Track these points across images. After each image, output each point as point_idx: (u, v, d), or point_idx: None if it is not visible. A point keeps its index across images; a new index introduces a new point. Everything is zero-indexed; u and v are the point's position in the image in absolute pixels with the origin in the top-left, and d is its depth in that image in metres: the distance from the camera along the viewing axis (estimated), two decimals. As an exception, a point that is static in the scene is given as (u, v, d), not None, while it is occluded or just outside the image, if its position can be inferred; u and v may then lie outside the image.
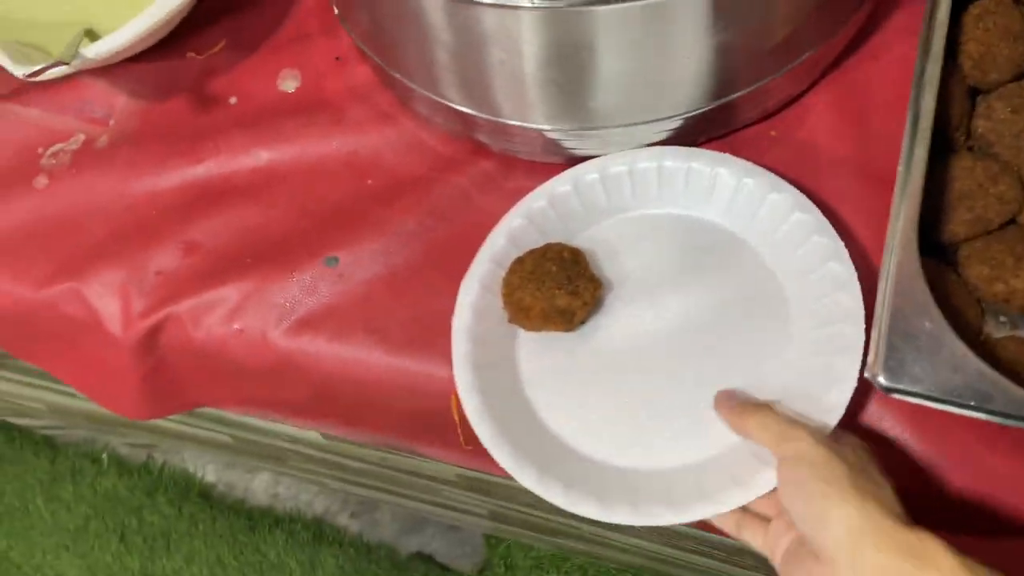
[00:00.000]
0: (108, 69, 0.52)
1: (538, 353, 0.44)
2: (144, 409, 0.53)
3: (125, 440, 1.16)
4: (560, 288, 0.43)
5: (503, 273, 0.44)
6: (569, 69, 0.41)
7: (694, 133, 0.46)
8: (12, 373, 0.80)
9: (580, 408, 0.43)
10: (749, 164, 0.44)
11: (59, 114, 0.54)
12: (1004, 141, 0.42)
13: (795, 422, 0.37)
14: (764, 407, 0.38)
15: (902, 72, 0.46)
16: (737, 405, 0.40)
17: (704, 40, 0.40)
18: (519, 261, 0.44)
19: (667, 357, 0.43)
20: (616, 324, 0.44)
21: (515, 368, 0.44)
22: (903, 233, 0.36)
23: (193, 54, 0.54)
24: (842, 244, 0.41)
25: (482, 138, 0.48)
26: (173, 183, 0.51)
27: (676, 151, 0.45)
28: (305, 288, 0.47)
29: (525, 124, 0.45)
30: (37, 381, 0.81)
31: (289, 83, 0.53)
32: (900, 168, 0.37)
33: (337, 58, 0.53)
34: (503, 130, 0.46)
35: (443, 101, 0.46)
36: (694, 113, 0.44)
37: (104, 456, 1.18)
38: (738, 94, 0.44)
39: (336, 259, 0.47)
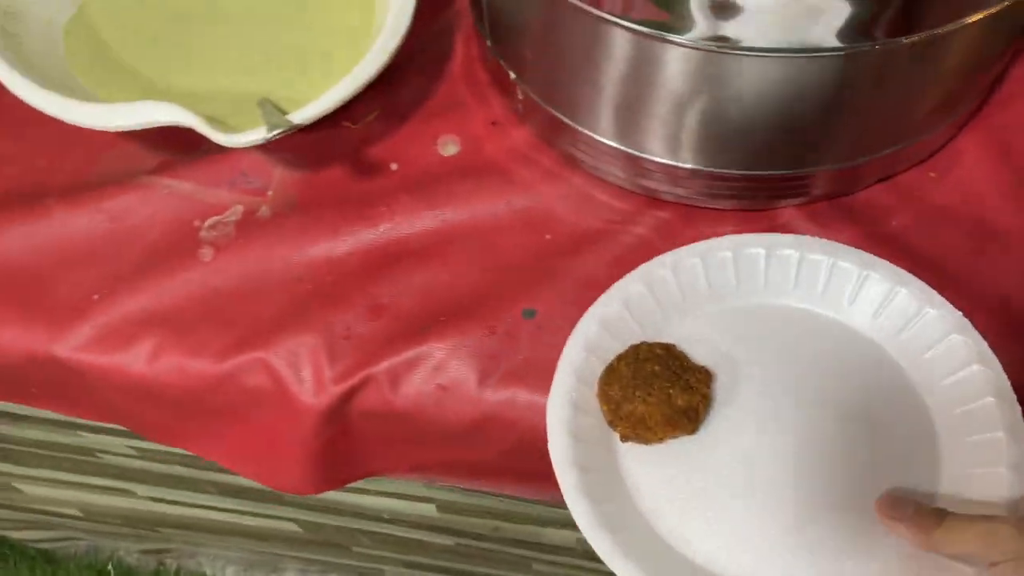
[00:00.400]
0: (263, 141, 0.53)
1: (644, 463, 0.40)
2: (312, 482, 0.51)
3: (135, 546, 1.09)
4: (673, 386, 0.39)
5: (599, 364, 0.41)
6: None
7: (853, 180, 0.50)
8: (50, 471, 0.76)
9: (689, 502, 0.39)
10: (901, 271, 0.42)
11: (213, 187, 0.53)
12: None
13: (992, 518, 0.33)
14: (945, 512, 0.34)
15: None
16: (914, 514, 0.35)
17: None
18: (611, 370, 0.41)
19: (789, 469, 0.39)
20: (729, 424, 0.40)
21: (622, 481, 0.40)
22: None
23: (348, 123, 0.55)
24: (1004, 377, 0.38)
25: (654, 186, 0.50)
26: (348, 247, 0.51)
27: (822, 243, 0.43)
28: (506, 341, 0.47)
29: (699, 167, 0.47)
30: (74, 478, 0.77)
31: (450, 147, 0.54)
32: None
33: (493, 123, 0.55)
34: (674, 174, 0.48)
35: (618, 146, 0.48)
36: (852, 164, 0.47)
37: (110, 567, 1.11)
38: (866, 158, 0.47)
39: (534, 311, 0.48)
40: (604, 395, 0.40)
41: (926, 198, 0.50)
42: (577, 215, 0.51)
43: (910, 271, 0.46)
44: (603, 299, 0.44)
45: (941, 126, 0.48)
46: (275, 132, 0.43)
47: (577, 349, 0.42)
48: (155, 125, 0.46)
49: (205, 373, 0.48)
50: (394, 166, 0.54)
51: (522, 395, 0.46)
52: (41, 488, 0.82)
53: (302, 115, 0.46)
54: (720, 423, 0.41)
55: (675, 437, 0.40)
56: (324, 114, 0.46)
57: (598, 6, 0.40)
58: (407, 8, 0.50)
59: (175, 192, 0.53)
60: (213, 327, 0.48)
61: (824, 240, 0.44)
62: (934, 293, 0.42)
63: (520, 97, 0.52)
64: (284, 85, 0.51)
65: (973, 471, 0.38)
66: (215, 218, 0.52)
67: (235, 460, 0.53)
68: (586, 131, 0.49)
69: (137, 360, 0.48)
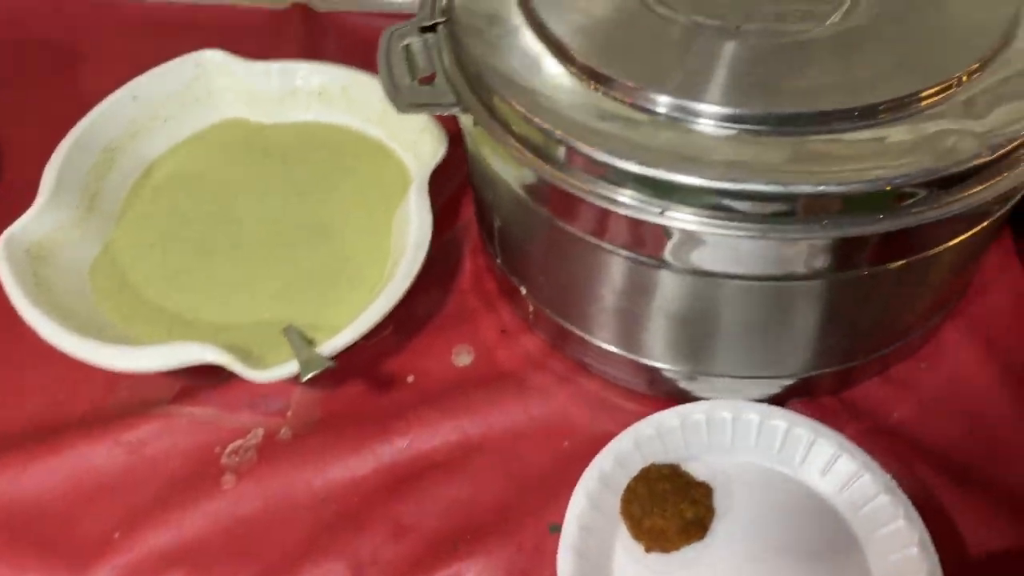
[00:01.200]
0: (281, 362, 0.54)
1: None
2: None
3: None
4: (682, 501, 0.46)
5: (606, 492, 0.46)
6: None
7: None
8: None
9: None
10: (846, 441, 0.47)
11: (233, 412, 0.54)
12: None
13: None
14: None
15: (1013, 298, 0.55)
16: None
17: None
18: (630, 491, 0.47)
19: None
20: (712, 557, 0.46)
21: None
22: None
23: (362, 341, 0.57)
24: (925, 531, 0.44)
25: (664, 388, 0.52)
26: (370, 466, 0.51)
27: (754, 406, 0.49)
28: (535, 557, 0.47)
29: (703, 374, 0.50)
30: None
31: (464, 357, 0.56)
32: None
33: (503, 331, 0.57)
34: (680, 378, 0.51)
35: (625, 354, 0.50)
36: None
37: None
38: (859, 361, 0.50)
39: (559, 526, 0.48)
40: (626, 512, 0.47)
41: (920, 388, 0.53)
42: (592, 420, 0.53)
43: (913, 460, 0.48)
44: (597, 459, 0.48)
45: (929, 324, 0.52)
46: (311, 374, 0.45)
47: (579, 501, 0.47)
48: (187, 365, 0.48)
49: (230, 610, 0.47)
50: (410, 378, 0.55)
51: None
52: None
53: (332, 346, 0.47)
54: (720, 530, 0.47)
55: (689, 544, 0.46)
56: (355, 342, 0.48)
57: (598, 237, 0.43)
58: (425, 229, 0.53)
59: (195, 420, 0.54)
60: (237, 560, 0.48)
61: (782, 409, 0.49)
62: (869, 458, 0.47)
63: (530, 308, 0.54)
64: (307, 310, 0.53)
65: None
66: (236, 443, 0.53)
67: None
68: (593, 340, 0.51)
69: (160, 599, 0.47)
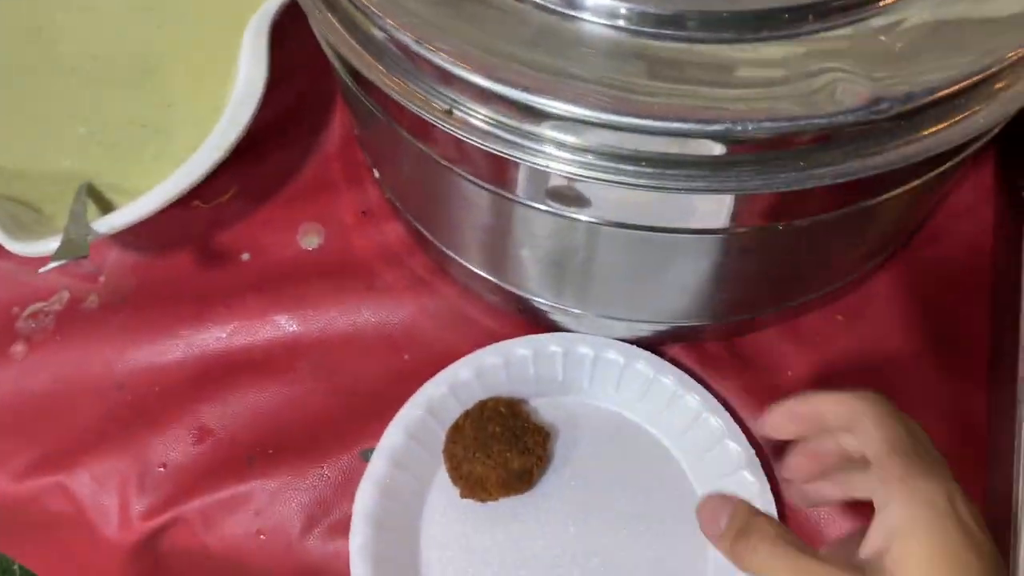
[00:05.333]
0: (99, 217, 0.46)
1: (444, 532, 0.41)
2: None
3: None
4: (511, 449, 0.40)
5: (432, 422, 0.41)
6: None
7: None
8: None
9: None
10: (687, 377, 0.42)
11: (37, 267, 0.47)
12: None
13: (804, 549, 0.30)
14: (760, 528, 0.32)
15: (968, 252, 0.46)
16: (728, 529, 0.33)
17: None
18: (457, 428, 0.41)
19: (582, 569, 0.40)
20: (534, 517, 0.41)
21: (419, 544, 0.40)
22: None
23: (198, 202, 0.48)
24: (753, 452, 0.40)
25: (532, 313, 0.44)
26: (178, 356, 0.45)
27: (620, 346, 0.43)
28: (337, 486, 0.42)
29: (580, 311, 0.42)
30: None
31: (311, 239, 0.48)
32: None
33: (364, 212, 0.49)
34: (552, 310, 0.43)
35: (488, 277, 0.42)
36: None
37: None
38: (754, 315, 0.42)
39: (371, 452, 0.42)
40: (448, 452, 0.41)
41: (828, 344, 0.45)
42: (443, 335, 0.45)
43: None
44: (428, 385, 0.43)
45: (850, 277, 0.43)
46: (59, 262, 0.37)
47: (396, 433, 0.41)
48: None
49: (6, 492, 0.42)
50: (246, 256, 0.48)
51: (347, 551, 0.41)
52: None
53: (111, 222, 0.39)
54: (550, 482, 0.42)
55: (508, 497, 0.41)
56: (144, 217, 0.40)
57: (441, 156, 0.34)
58: (256, 83, 0.43)
59: (-4, 272, 0.47)
60: (17, 440, 0.43)
61: (648, 353, 0.43)
62: (710, 396, 0.42)
63: (387, 196, 0.46)
64: (113, 166, 0.44)
65: None
66: (37, 305, 0.46)
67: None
68: (451, 254, 0.43)
69: (-75, 474, 0.43)
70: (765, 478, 0.40)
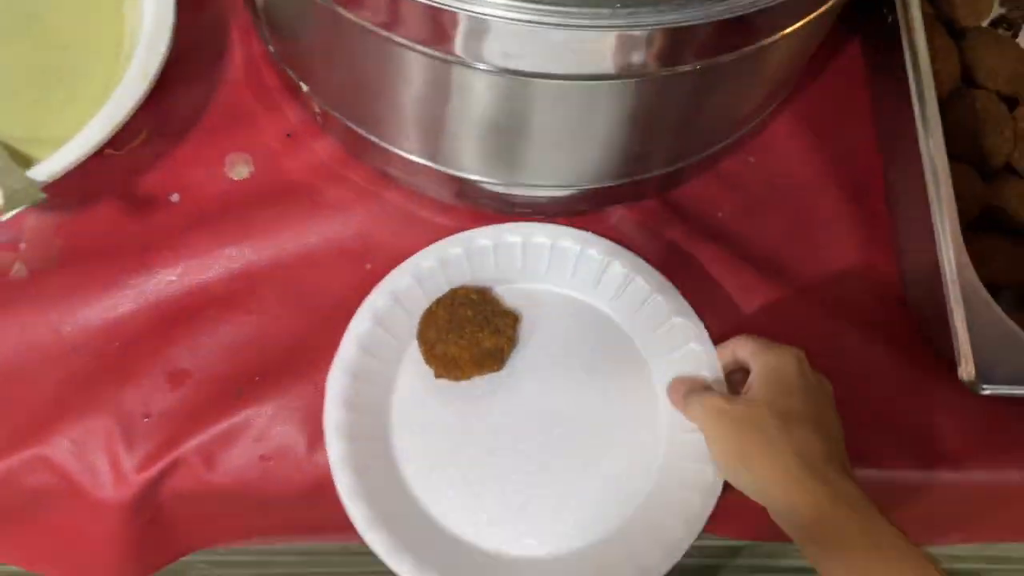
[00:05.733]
0: (2, 181, 0.43)
1: (414, 414, 0.42)
2: (130, 574, 0.45)
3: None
4: (482, 330, 0.42)
5: (398, 309, 0.43)
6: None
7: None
8: None
9: (463, 489, 0.41)
10: (638, 259, 0.45)
11: (-54, 245, 0.43)
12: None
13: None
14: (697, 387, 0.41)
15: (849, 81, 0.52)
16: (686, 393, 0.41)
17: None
18: (430, 313, 0.43)
19: (546, 438, 0.43)
20: (498, 396, 0.43)
21: (388, 430, 0.42)
22: (953, 240, 0.40)
23: (110, 150, 0.46)
24: (702, 326, 0.43)
25: (477, 200, 0.46)
26: (131, 305, 0.43)
27: (575, 233, 0.45)
28: (334, 396, 0.42)
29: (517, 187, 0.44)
30: None
31: (240, 169, 0.47)
32: (928, 176, 0.41)
33: (288, 135, 0.48)
34: (494, 192, 0.45)
35: (431, 165, 0.43)
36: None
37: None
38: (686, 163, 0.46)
39: (359, 356, 0.43)
40: (421, 336, 0.43)
41: (747, 184, 0.50)
42: (398, 237, 0.46)
43: (734, 260, 0.47)
44: (391, 275, 0.44)
45: (757, 119, 0.47)
46: (16, 209, 0.35)
47: (363, 319, 0.43)
48: None
49: (-30, 479, 0.40)
50: (175, 197, 0.46)
51: (360, 452, 0.42)
52: None
53: (49, 169, 0.37)
54: (491, 393, 0.43)
55: (482, 375, 0.43)
56: (77, 163, 0.38)
57: (387, 29, 0.34)
58: (166, 9, 0.41)
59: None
60: (-27, 424, 0.40)
61: (601, 239, 0.46)
62: (661, 278, 0.45)
63: (316, 110, 0.45)
64: (19, 120, 0.41)
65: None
66: (-45, 283, 0.43)
67: (34, 562, 0.45)
68: (394, 149, 0.43)
69: None
70: (712, 345, 0.43)
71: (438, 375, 0.42)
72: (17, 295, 0.43)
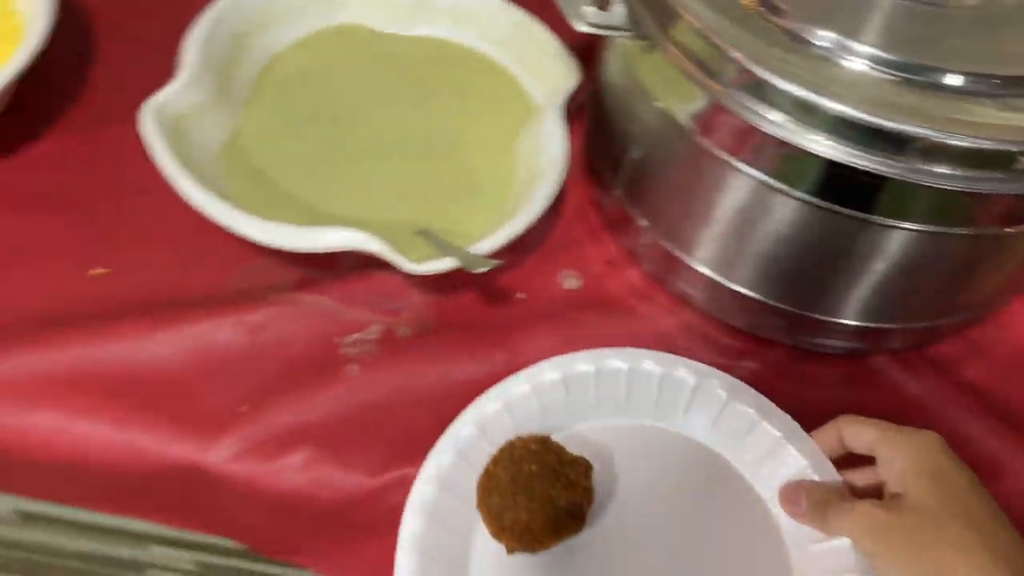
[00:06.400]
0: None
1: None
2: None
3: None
4: (554, 486, 0.37)
5: (467, 469, 0.38)
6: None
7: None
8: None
9: None
10: (764, 400, 0.44)
11: (351, 306, 0.55)
12: None
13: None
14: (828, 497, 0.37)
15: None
16: (810, 507, 0.38)
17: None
18: (489, 476, 0.38)
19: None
20: (595, 541, 0.38)
21: None
22: None
23: (476, 254, 0.59)
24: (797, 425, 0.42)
25: (765, 329, 0.56)
26: (485, 370, 0.54)
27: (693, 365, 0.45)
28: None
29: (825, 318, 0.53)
30: None
31: (572, 281, 0.59)
32: None
33: (608, 262, 0.60)
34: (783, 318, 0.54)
35: (738, 289, 0.54)
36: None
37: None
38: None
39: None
40: (484, 506, 0.37)
41: (992, 350, 0.58)
42: (695, 348, 0.56)
43: (983, 414, 0.53)
44: (453, 427, 0.44)
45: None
46: (482, 268, 0.47)
47: (450, 443, 0.42)
48: (343, 249, 0.49)
49: (358, 487, 0.49)
50: (521, 295, 0.58)
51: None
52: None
53: (480, 247, 0.49)
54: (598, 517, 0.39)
55: (562, 541, 0.37)
56: (499, 248, 0.51)
57: (751, 165, 0.46)
58: (565, 151, 0.55)
59: (315, 308, 0.55)
60: (365, 441, 0.50)
61: (682, 359, 0.46)
62: (791, 422, 0.44)
63: (640, 241, 0.57)
64: (437, 217, 0.55)
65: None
66: (355, 336, 0.54)
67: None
68: (699, 268, 0.53)
69: (288, 472, 0.49)
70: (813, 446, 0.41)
71: (512, 551, 0.37)
72: (403, 349, 0.54)
